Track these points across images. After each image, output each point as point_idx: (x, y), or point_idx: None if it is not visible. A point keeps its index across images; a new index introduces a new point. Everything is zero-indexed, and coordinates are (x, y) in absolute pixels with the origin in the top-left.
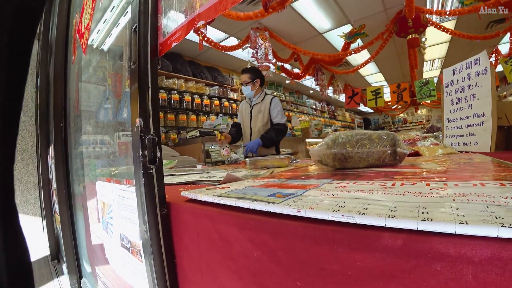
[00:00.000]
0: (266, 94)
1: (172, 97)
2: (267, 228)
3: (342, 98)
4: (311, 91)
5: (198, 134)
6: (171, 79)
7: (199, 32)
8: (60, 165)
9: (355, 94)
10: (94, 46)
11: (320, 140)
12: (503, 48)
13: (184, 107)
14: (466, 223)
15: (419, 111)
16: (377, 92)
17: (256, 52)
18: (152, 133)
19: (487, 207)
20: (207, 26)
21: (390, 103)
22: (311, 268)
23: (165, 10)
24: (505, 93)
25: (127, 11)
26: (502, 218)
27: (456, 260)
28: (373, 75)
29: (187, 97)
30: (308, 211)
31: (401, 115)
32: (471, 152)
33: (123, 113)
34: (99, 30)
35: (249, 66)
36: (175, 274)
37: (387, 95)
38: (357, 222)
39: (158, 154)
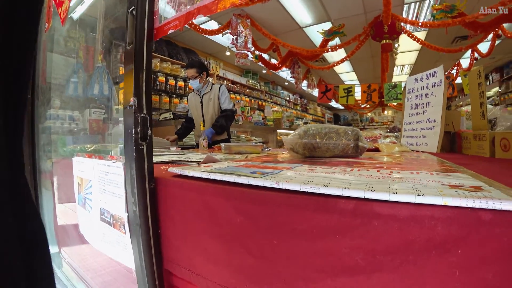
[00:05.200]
0: (212, 83)
1: None
2: (250, 197)
3: (315, 92)
4: (286, 83)
5: (172, 117)
6: None
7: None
8: (27, 140)
9: (328, 90)
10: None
11: (291, 131)
12: (464, 63)
13: (157, 87)
14: (396, 193)
15: (385, 112)
16: (349, 90)
17: (236, 39)
18: (145, 112)
19: (414, 185)
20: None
21: (360, 101)
22: (285, 228)
23: None
24: (461, 103)
25: None
26: (420, 191)
27: (388, 218)
28: (346, 74)
29: (161, 78)
30: (285, 184)
31: (369, 114)
32: (421, 151)
33: (94, 90)
34: None
35: (227, 53)
36: (159, 243)
37: (358, 94)
38: (322, 192)
39: (149, 132)
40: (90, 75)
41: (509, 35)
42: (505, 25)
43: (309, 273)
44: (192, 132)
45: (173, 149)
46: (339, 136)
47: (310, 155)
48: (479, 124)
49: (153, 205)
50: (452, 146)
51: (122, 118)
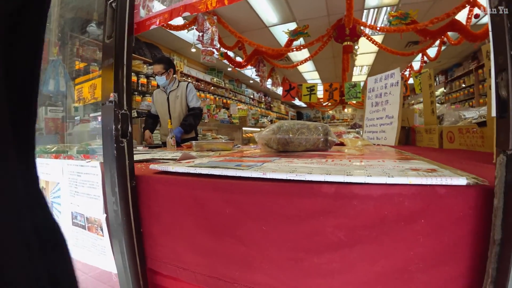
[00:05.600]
0: (178, 81)
1: None
2: (238, 189)
3: (279, 91)
4: (251, 81)
5: (136, 115)
6: None
7: (145, 5)
8: None
9: (292, 89)
10: None
11: (257, 129)
12: (415, 65)
13: None
14: (371, 176)
15: (345, 110)
16: (312, 88)
17: (202, 36)
18: (125, 109)
19: (383, 170)
20: (154, 1)
21: (322, 100)
22: (273, 215)
23: None
24: (413, 101)
25: None
26: (390, 174)
27: (365, 197)
28: (309, 73)
29: None
30: (272, 173)
31: (330, 111)
32: (381, 144)
33: (49, 85)
34: None
35: (192, 49)
36: (142, 242)
37: (320, 92)
38: (306, 179)
39: (130, 128)
40: (44, 69)
41: (452, 42)
42: (449, 33)
43: (297, 254)
44: (157, 131)
45: (140, 148)
46: (310, 131)
47: (284, 149)
48: (430, 120)
49: (135, 204)
50: (407, 139)
51: (79, 117)
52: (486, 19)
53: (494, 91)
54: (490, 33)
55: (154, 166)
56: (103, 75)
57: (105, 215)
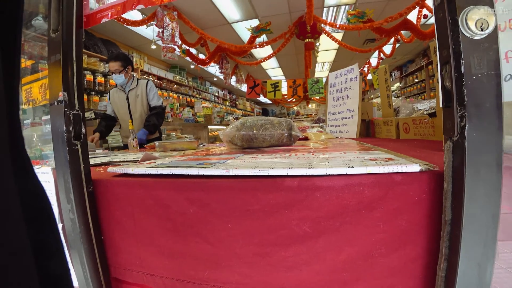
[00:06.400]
0: (137, 79)
1: None
2: (201, 187)
3: (244, 88)
4: (215, 79)
5: (93, 116)
6: None
7: None
8: None
9: (256, 85)
10: None
11: (223, 127)
12: (373, 62)
13: None
14: (332, 168)
15: (309, 105)
16: (276, 85)
17: (162, 32)
18: (77, 108)
19: (344, 161)
20: None
21: (286, 96)
22: (238, 211)
23: None
24: (372, 96)
25: None
26: (350, 164)
27: (327, 189)
28: (273, 69)
29: None
30: (234, 170)
31: (295, 107)
32: (344, 137)
33: None
34: None
35: (153, 46)
36: (104, 250)
37: (284, 89)
38: (270, 174)
39: (83, 130)
40: None
41: (405, 40)
42: (402, 32)
43: (264, 249)
44: (117, 132)
45: (99, 151)
46: (274, 126)
47: (248, 146)
48: (387, 113)
49: (94, 210)
50: (368, 131)
51: (29, 120)
52: (433, 20)
53: (440, 83)
54: (435, 29)
55: (112, 169)
56: (50, 73)
57: (61, 224)
